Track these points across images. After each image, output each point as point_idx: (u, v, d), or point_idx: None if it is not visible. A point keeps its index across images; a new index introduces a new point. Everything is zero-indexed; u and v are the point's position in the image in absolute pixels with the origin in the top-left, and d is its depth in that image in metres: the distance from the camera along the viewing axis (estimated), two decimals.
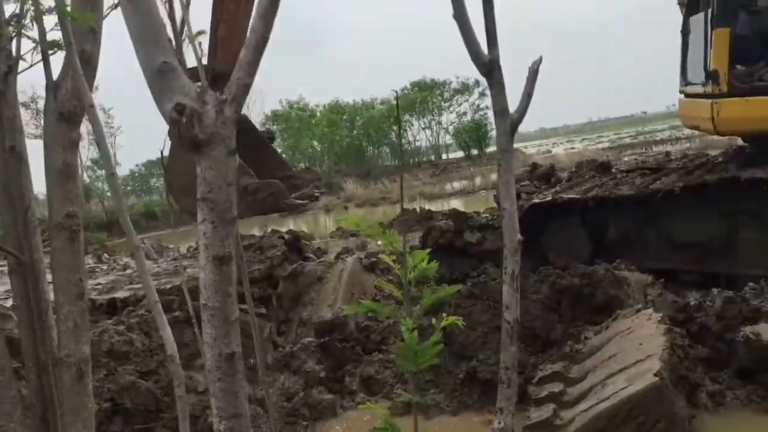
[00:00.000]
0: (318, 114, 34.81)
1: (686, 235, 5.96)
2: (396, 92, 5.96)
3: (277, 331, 5.70)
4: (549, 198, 6.55)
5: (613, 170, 7.57)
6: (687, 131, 27.66)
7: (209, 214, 1.16)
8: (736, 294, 4.66)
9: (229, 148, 1.16)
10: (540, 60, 1.36)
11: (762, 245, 5.69)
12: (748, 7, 5.97)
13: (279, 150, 32.78)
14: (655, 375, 3.60)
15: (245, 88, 1.17)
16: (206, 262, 1.17)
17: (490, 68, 1.36)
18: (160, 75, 1.15)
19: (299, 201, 6.74)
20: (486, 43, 1.36)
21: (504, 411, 1.43)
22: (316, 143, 34.50)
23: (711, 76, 5.66)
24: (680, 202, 5.92)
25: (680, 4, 7.03)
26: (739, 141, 7.11)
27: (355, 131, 34.18)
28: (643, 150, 24.42)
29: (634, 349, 4.02)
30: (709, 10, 5.68)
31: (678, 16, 7.03)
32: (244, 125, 6.62)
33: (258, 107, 31.94)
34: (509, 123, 1.36)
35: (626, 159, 17.18)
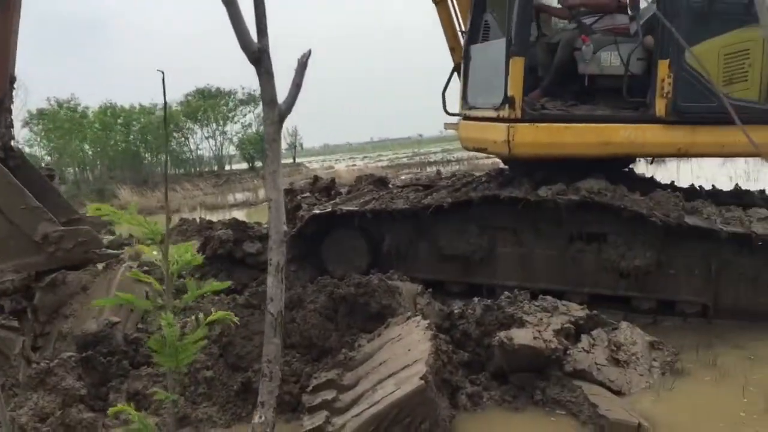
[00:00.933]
0: (90, 115, 32.35)
1: (452, 248, 6.38)
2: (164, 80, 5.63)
3: (32, 346, 5.17)
4: (329, 209, 6.68)
5: (390, 185, 7.94)
6: (458, 154, 29.90)
7: None
8: (493, 302, 5.08)
9: None
10: (309, 53, 1.38)
11: (517, 259, 6.29)
12: (538, 39, 6.63)
13: (44, 153, 29.98)
14: (421, 378, 3.81)
15: None
16: None
17: (258, 57, 1.36)
18: None
19: (112, 251, 6.19)
20: (256, 33, 1.35)
21: (265, 405, 1.42)
22: (87, 147, 32.01)
23: (508, 101, 6.11)
24: (448, 218, 6.34)
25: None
26: (501, 164, 7.80)
27: (131, 136, 32.28)
28: (419, 169, 25.88)
29: (403, 354, 4.22)
30: (505, 39, 6.17)
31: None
32: (17, 161, 5.93)
33: (19, 103, 28.99)
34: (277, 113, 1.36)
35: (402, 177, 18.07)
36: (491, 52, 6.60)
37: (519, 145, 6.06)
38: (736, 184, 7.53)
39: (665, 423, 4.02)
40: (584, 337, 4.74)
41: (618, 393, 4.41)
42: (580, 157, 6.14)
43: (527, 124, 6.06)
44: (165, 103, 1.56)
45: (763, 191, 7.07)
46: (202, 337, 1.38)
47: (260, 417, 1.44)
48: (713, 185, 7.43)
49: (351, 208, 6.64)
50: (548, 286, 6.03)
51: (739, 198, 6.75)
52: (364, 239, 6.77)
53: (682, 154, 6.35)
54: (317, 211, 6.68)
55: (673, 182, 7.21)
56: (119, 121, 32.39)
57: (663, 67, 5.88)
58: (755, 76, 5.91)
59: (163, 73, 1.45)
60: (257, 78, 1.35)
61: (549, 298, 5.20)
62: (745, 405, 4.18)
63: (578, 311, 5.02)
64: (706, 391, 4.45)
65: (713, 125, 5.94)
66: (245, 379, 4.47)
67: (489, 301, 5.13)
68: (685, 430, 3.91)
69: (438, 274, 6.55)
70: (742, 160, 13.64)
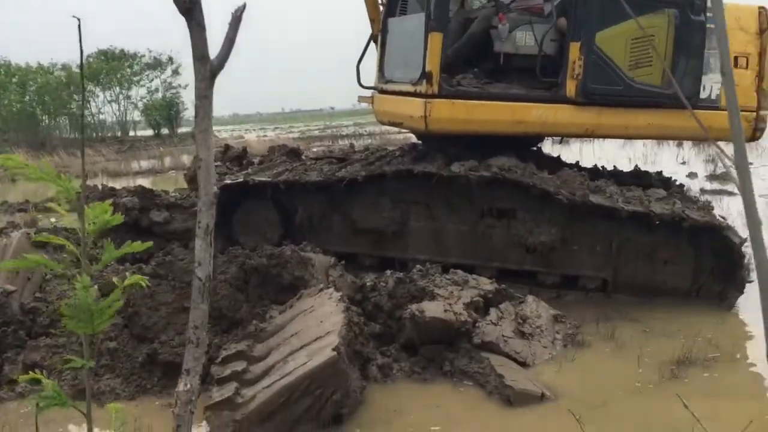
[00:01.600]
0: None
1: (366, 222, 6.39)
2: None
3: None
4: (241, 179, 6.53)
5: (303, 157, 7.83)
6: (370, 128, 29.92)
7: None
8: (405, 275, 5.13)
9: None
10: (243, 7, 1.32)
11: (429, 233, 6.36)
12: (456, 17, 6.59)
13: None
14: (333, 350, 3.80)
15: None
16: None
17: (190, 8, 1.28)
18: None
19: None
20: None
21: (191, 372, 1.37)
22: None
23: (426, 76, 6.07)
24: (362, 191, 6.32)
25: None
26: (413, 138, 7.83)
27: (27, 97, 30.46)
28: (330, 142, 25.71)
29: (315, 326, 4.20)
30: (424, 14, 6.12)
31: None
32: None
33: None
34: (209, 68, 1.30)
35: (315, 149, 17.94)
36: (409, 26, 6.57)
37: (435, 120, 6.07)
38: (636, 166, 7.88)
39: (567, 392, 4.18)
40: (493, 311, 4.86)
41: (523, 364, 4.55)
42: (494, 135, 6.23)
43: (444, 100, 6.07)
44: (81, 52, 1.44)
45: (660, 173, 7.42)
46: (118, 299, 1.30)
47: (185, 385, 1.38)
48: (614, 166, 7.74)
49: (264, 179, 6.51)
50: (459, 260, 6.12)
51: (639, 178, 7.06)
52: (276, 210, 6.67)
53: (589, 134, 6.58)
54: (229, 181, 6.50)
55: (578, 162, 7.45)
56: (14, 80, 30.50)
57: (574, 49, 6.02)
58: (659, 62, 6.13)
59: (79, 20, 1.34)
60: (188, 31, 1.27)
61: (460, 272, 5.30)
62: (640, 375, 4.41)
63: (487, 285, 5.14)
64: (604, 362, 4.67)
65: (619, 107, 6.17)
66: (151, 350, 4.35)
67: (401, 274, 5.18)
68: (585, 399, 4.08)
69: (351, 247, 6.54)
70: (640, 142, 14.32)
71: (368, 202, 6.37)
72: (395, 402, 4.16)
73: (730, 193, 9.88)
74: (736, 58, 6.24)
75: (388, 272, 5.28)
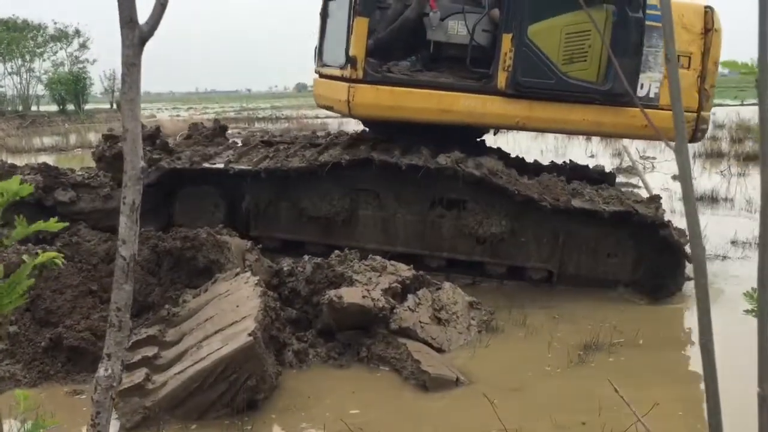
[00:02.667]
0: None
1: (315, 210, 6.29)
2: None
3: None
4: (188, 165, 6.35)
5: (227, 137, 7.59)
6: (286, 111, 29.60)
7: None
8: (323, 260, 5.09)
9: None
10: None
11: (378, 222, 6.33)
12: (380, 4, 6.51)
13: None
14: (249, 335, 3.73)
15: None
16: None
17: None
18: None
19: None
20: None
21: (112, 357, 1.29)
22: None
23: (350, 61, 6.02)
24: (313, 179, 6.21)
25: None
26: (361, 126, 7.76)
27: None
28: (246, 125, 25.24)
29: (231, 311, 4.11)
30: None
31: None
32: None
33: None
34: (138, 35, 1.22)
35: (237, 132, 17.56)
36: (341, 10, 6.48)
37: (358, 105, 6.05)
38: (570, 160, 7.98)
39: (480, 377, 4.27)
40: (410, 297, 4.88)
41: (439, 350, 4.61)
42: (421, 123, 6.22)
43: (368, 85, 6.03)
44: None
45: (598, 166, 7.68)
46: (28, 276, 1.21)
47: (106, 370, 1.30)
48: (535, 159, 7.91)
49: (216, 166, 6.33)
50: (407, 250, 6.19)
51: (575, 171, 7.24)
52: (220, 196, 6.53)
53: (521, 127, 6.55)
54: (178, 166, 6.32)
55: (517, 156, 7.59)
56: None
57: (506, 41, 5.99)
58: (594, 57, 6.12)
59: None
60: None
61: (378, 257, 5.30)
62: (550, 359, 4.55)
63: (406, 271, 5.17)
64: (517, 347, 4.79)
65: (551, 101, 6.14)
66: (55, 334, 4.14)
67: (319, 259, 5.13)
68: (498, 383, 4.17)
69: (299, 235, 6.46)
70: (551, 135, 14.74)
71: (318, 190, 6.27)
72: (311, 388, 4.13)
73: (635, 186, 10.31)
74: (678, 57, 6.32)
75: (306, 257, 5.22)
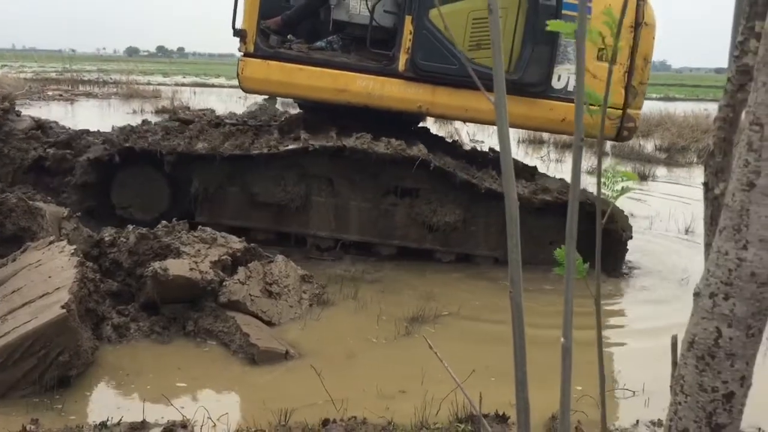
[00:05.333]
0: None
1: (266, 196, 6.03)
2: None
3: None
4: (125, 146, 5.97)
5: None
6: (115, 76, 27.82)
7: None
8: (149, 231, 4.84)
9: None
10: None
11: (331, 208, 6.16)
12: None
13: None
14: (62, 307, 3.47)
15: None
16: None
17: None
18: None
19: None
20: None
21: None
22: None
23: (240, 34, 5.89)
24: (263, 164, 5.96)
25: None
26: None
27: None
28: (69, 86, 23.51)
29: (42, 282, 3.81)
30: None
31: None
32: None
33: None
34: None
35: (59, 94, 16.22)
36: None
37: (247, 79, 5.98)
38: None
39: (310, 349, 4.27)
40: (241, 269, 4.78)
41: (269, 323, 4.56)
42: (317, 101, 6.21)
43: (258, 60, 5.94)
44: None
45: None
46: None
47: None
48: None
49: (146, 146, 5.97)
50: (360, 237, 6.17)
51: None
52: (164, 180, 6.18)
53: (424, 112, 6.45)
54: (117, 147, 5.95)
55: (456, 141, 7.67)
56: None
57: (407, 23, 5.90)
58: (506, 46, 5.92)
59: None
60: None
61: (208, 229, 5.13)
62: (378, 331, 4.65)
63: (237, 243, 5.05)
64: (347, 320, 4.84)
65: (454, 87, 6.00)
66: None
67: (144, 229, 4.88)
68: (327, 355, 4.20)
69: (248, 221, 6.18)
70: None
71: (268, 176, 6.02)
72: (132, 363, 3.92)
73: None
74: (602, 51, 5.69)
75: (130, 227, 4.94)
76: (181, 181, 6.18)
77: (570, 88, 6.02)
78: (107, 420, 3.17)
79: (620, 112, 6.13)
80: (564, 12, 5.79)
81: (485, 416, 3.34)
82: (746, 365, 1.09)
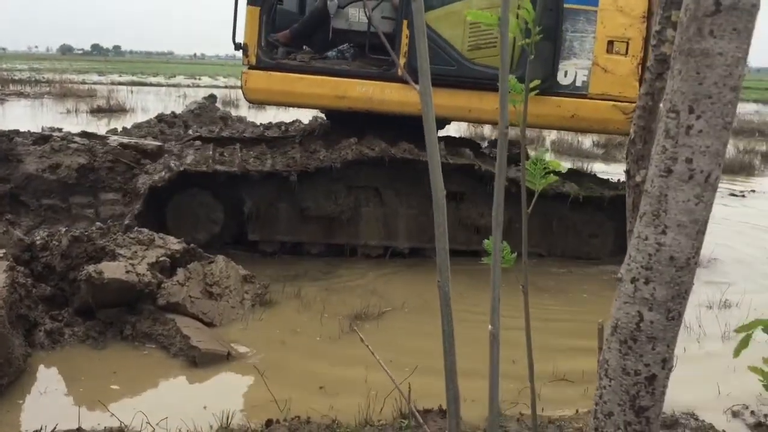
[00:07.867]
0: None
1: (316, 209, 6.06)
2: None
3: None
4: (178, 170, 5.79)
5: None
6: (48, 75, 27.00)
7: None
8: (82, 234, 4.70)
9: None
10: None
11: (380, 219, 6.21)
12: None
13: None
14: None
15: None
16: None
17: None
18: None
19: None
20: None
21: None
22: None
23: (242, 48, 6.01)
24: (312, 178, 5.95)
25: None
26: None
27: None
28: (1, 87, 22.68)
29: None
30: None
31: None
32: None
33: None
34: None
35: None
36: None
37: (251, 90, 6.08)
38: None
39: (253, 350, 4.22)
40: (180, 271, 4.68)
41: (210, 325, 4.48)
42: (322, 108, 6.44)
43: (260, 71, 6.02)
44: None
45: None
46: None
47: None
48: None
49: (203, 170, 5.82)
50: (410, 244, 6.28)
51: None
52: (219, 201, 6.10)
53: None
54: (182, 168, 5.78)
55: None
56: None
57: (404, 27, 5.91)
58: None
59: None
60: None
61: (145, 230, 5.02)
62: (322, 330, 4.62)
63: (175, 244, 4.94)
64: (290, 320, 4.80)
65: (458, 89, 5.96)
66: None
67: (78, 231, 4.74)
68: (270, 355, 4.16)
69: (299, 236, 6.20)
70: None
71: (317, 190, 6.05)
72: (66, 369, 3.81)
73: None
74: (612, 42, 5.84)
75: (63, 229, 4.79)
76: (230, 202, 6.15)
77: (578, 83, 5.96)
78: (41, 429, 3.07)
79: (633, 105, 6.24)
80: (566, 6, 5.81)
81: (428, 411, 3.36)
82: (667, 348, 1.12)
